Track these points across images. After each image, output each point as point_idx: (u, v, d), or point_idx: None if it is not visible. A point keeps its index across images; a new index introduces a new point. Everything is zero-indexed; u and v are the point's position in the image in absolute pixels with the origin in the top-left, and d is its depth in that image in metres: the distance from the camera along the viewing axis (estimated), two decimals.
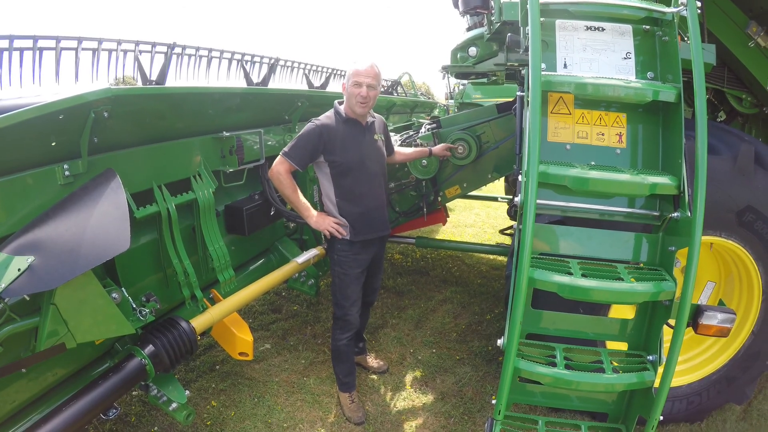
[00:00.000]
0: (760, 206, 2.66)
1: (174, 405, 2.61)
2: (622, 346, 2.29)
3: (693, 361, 3.17)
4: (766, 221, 2.70)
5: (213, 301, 3.02)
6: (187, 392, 2.68)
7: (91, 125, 2.11)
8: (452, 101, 9.19)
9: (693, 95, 3.45)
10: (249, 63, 6.43)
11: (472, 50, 3.65)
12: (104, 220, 1.94)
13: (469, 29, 4.05)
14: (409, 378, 3.57)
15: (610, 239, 2.07)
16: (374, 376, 3.63)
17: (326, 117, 2.96)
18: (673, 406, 3.04)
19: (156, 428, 3.14)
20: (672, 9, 1.90)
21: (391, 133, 3.75)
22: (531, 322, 2.22)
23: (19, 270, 1.71)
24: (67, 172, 2.09)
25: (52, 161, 2.08)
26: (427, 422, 3.16)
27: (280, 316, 4.55)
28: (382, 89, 6.55)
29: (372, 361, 3.72)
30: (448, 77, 8.18)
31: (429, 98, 9.83)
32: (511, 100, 3.89)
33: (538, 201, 2.08)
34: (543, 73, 2.00)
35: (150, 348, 2.44)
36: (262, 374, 3.65)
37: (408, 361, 3.79)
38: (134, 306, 2.40)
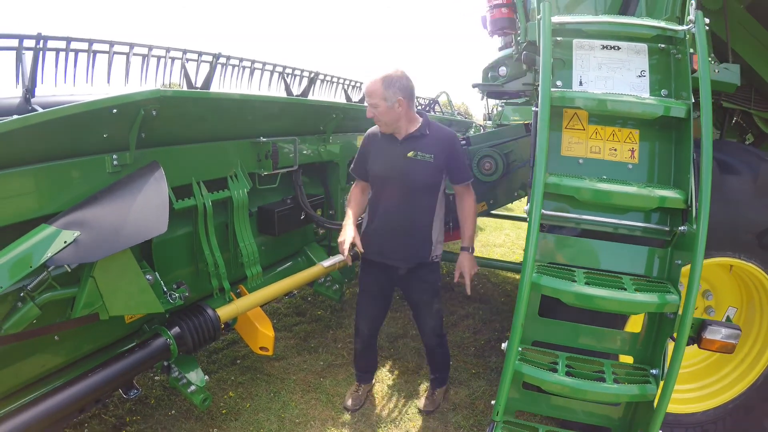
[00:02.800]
0: None
1: (192, 388, 2.81)
2: (629, 360, 2.36)
3: (709, 388, 3.13)
4: None
5: (240, 296, 3.22)
6: (206, 377, 2.87)
7: (140, 122, 2.35)
8: (490, 122, 9.32)
9: (722, 116, 3.53)
10: (290, 76, 6.71)
11: (502, 70, 3.80)
12: (146, 205, 2.17)
13: (500, 49, 4.23)
14: (423, 387, 3.67)
15: (618, 251, 2.16)
16: (390, 382, 3.75)
17: (376, 126, 3.08)
18: None
19: (173, 411, 3.34)
20: (683, 27, 2.01)
21: None
22: (538, 330, 2.32)
23: (65, 242, 1.93)
24: (115, 162, 2.34)
25: (103, 151, 2.32)
26: (438, 430, 3.25)
27: (304, 319, 4.73)
28: (419, 106, 6.74)
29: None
30: (486, 99, 8.34)
31: (466, 118, 9.99)
32: None
33: (551, 212, 2.21)
34: (559, 89, 2.15)
35: (176, 329, 2.65)
36: (280, 371, 3.82)
37: (424, 371, 3.89)
38: (165, 290, 2.62)
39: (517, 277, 5.82)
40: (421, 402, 3.47)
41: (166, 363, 2.80)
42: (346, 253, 2.99)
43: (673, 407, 2.98)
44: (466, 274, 3.02)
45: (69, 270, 2.07)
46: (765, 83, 3.22)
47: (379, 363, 3.95)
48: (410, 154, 2.92)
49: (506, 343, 2.18)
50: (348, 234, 2.97)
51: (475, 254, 3.15)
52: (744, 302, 3.13)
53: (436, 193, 3.00)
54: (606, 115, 2.14)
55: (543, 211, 2.13)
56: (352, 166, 3.23)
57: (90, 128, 2.22)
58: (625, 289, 2.00)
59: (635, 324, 2.75)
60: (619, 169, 2.18)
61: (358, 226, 3.15)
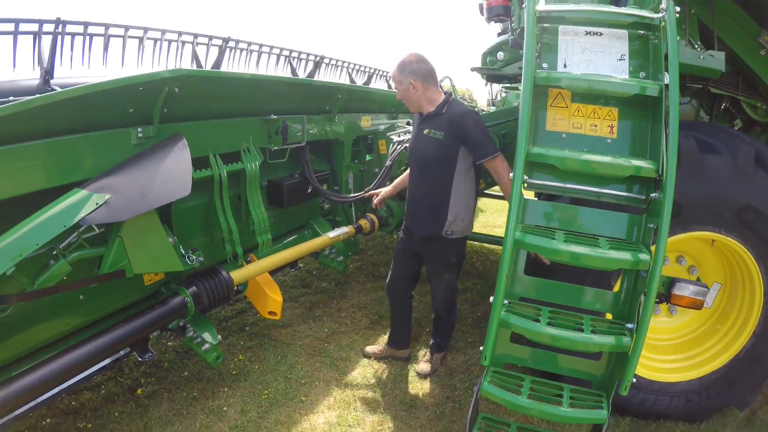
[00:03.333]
0: (760, 205, 2.83)
1: (206, 346, 3.09)
2: (609, 317, 2.60)
3: (694, 359, 3.31)
4: (767, 221, 2.86)
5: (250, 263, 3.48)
6: (219, 337, 3.15)
7: (163, 98, 2.60)
8: (494, 107, 9.53)
9: (711, 101, 3.74)
10: (296, 59, 6.94)
11: (500, 54, 4.00)
12: (170, 170, 2.43)
13: (499, 35, 4.45)
14: (422, 353, 3.94)
15: (598, 216, 2.40)
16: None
17: None
18: (671, 402, 3.19)
19: (186, 373, 3.63)
20: (658, 15, 2.25)
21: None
22: (526, 287, 2.55)
23: (97, 204, 2.17)
24: (140, 134, 2.59)
25: (129, 125, 2.58)
26: (434, 391, 3.52)
27: (309, 291, 5.02)
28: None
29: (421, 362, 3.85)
30: (490, 84, 8.55)
31: (470, 103, 10.20)
32: None
33: (536, 181, 2.45)
34: (545, 71, 2.39)
35: (193, 288, 2.92)
36: (287, 337, 4.11)
37: (423, 338, 4.16)
38: (183, 252, 2.88)
39: None
40: (419, 366, 3.74)
41: (181, 323, 3.09)
42: (375, 201, 3.79)
43: (659, 376, 3.23)
44: None
45: (97, 231, 2.33)
46: (751, 71, 3.41)
47: (381, 331, 4.24)
48: (426, 131, 3.19)
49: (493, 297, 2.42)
50: (383, 189, 3.80)
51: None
52: (728, 279, 3.32)
53: (450, 170, 3.16)
54: (587, 94, 2.37)
55: (531, 180, 2.39)
56: None
57: (118, 103, 2.49)
58: (600, 248, 2.23)
59: None
60: (599, 143, 2.41)
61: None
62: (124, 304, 2.93)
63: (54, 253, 2.21)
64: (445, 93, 3.25)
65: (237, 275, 3.16)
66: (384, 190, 3.80)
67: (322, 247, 4.01)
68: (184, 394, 3.45)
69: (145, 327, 2.73)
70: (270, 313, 3.53)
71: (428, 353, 3.82)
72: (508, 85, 7.35)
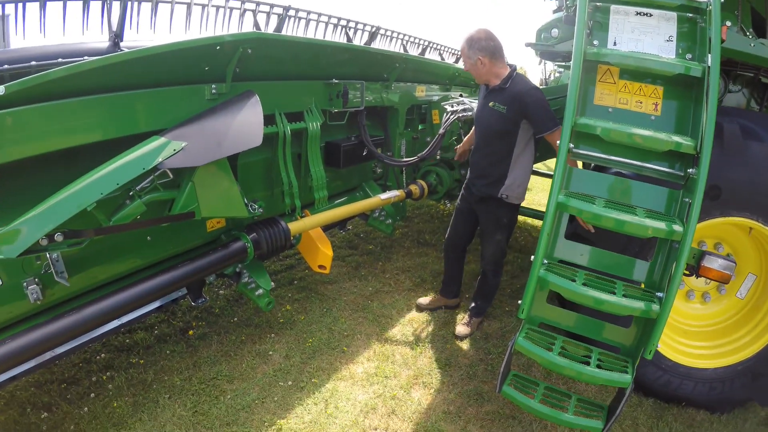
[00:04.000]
0: None
1: (260, 291, 3.36)
2: (642, 287, 2.74)
3: (722, 348, 3.35)
4: None
5: None
6: (272, 283, 3.43)
7: (237, 58, 2.85)
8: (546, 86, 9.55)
9: (762, 91, 3.77)
10: (352, 29, 7.18)
11: (554, 31, 4.10)
12: (244, 122, 2.70)
13: (554, 12, 4.55)
14: (460, 317, 4.18)
15: (638, 188, 2.55)
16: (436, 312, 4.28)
17: None
18: (695, 388, 3.24)
19: (235, 319, 3.97)
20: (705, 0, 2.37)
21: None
22: (566, 250, 2.70)
23: (174, 150, 2.39)
24: (213, 91, 2.86)
25: (203, 81, 2.84)
26: (469, 353, 3.76)
27: (356, 252, 5.35)
28: None
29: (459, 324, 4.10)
30: (544, 63, 8.56)
31: None
32: None
33: (582, 151, 2.62)
34: (596, 47, 2.55)
35: (253, 235, 3.20)
36: (332, 293, 4.42)
37: (463, 304, 4.40)
38: (247, 202, 3.17)
39: None
40: (457, 328, 3.99)
41: (238, 268, 3.38)
42: (457, 155, 4.38)
43: (686, 360, 3.31)
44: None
45: (170, 176, 2.51)
46: None
47: (422, 293, 4.50)
48: (491, 104, 3.45)
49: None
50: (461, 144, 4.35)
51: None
52: (763, 270, 3.34)
53: (510, 141, 3.46)
54: (634, 71, 2.51)
55: (577, 150, 2.56)
56: None
57: (195, 61, 2.74)
58: (638, 216, 2.39)
59: None
60: (643, 119, 2.55)
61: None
62: (187, 248, 3.21)
63: (131, 194, 2.39)
64: (510, 66, 3.47)
65: (294, 227, 3.44)
66: (461, 145, 4.33)
67: (373, 208, 4.29)
68: (233, 337, 3.78)
69: (206, 268, 2.95)
70: (320, 266, 3.81)
71: (467, 316, 4.06)
72: (562, 63, 7.37)
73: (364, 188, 4.60)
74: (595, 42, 2.57)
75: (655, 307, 2.50)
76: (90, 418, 2.95)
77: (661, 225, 2.35)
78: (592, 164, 3.08)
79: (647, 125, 2.55)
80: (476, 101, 3.80)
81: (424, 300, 4.30)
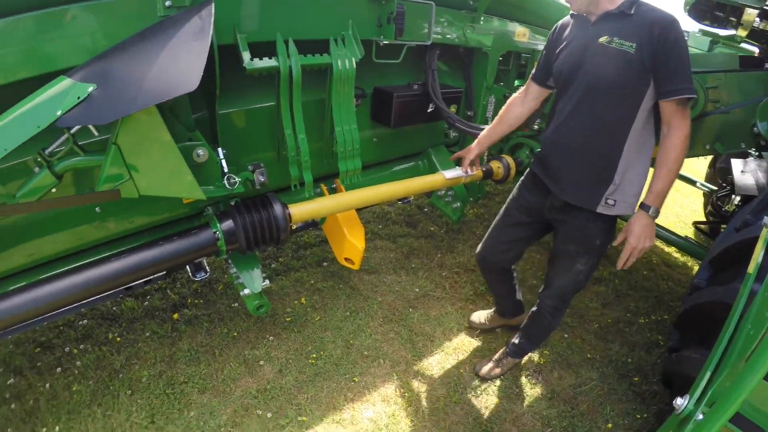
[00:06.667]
0: None
1: (246, 291, 2.50)
2: None
3: None
4: None
5: (335, 192, 2.78)
6: (266, 282, 2.57)
7: None
8: None
9: None
10: None
11: None
12: (178, 56, 1.70)
13: None
14: (526, 358, 3.04)
15: None
16: (496, 333, 3.20)
17: (568, 16, 2.32)
18: None
19: (236, 305, 3.16)
20: None
21: None
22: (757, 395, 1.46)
23: (78, 98, 1.60)
24: (168, 2, 1.86)
25: None
26: (523, 419, 2.67)
27: (413, 232, 4.25)
28: None
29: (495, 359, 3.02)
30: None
31: None
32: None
33: None
34: None
35: (228, 223, 2.28)
36: (367, 287, 3.45)
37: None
38: (225, 170, 2.21)
39: (668, 251, 4.63)
40: (482, 367, 2.91)
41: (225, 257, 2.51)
42: (463, 168, 2.83)
43: None
44: (630, 242, 2.18)
45: (97, 135, 1.81)
46: None
47: (483, 306, 3.40)
48: (603, 39, 2.09)
49: (683, 400, 1.41)
50: (469, 148, 2.79)
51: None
52: None
53: (634, 104, 2.09)
54: None
55: None
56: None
57: None
58: None
59: None
60: None
61: None
62: (152, 223, 2.42)
63: (39, 159, 1.76)
64: None
65: (298, 211, 2.43)
66: (469, 151, 2.85)
67: (433, 189, 3.11)
68: (225, 330, 3.03)
69: (163, 260, 2.19)
70: (346, 260, 2.81)
71: (501, 351, 2.96)
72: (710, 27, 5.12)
73: (429, 155, 3.42)
74: None
75: None
76: (49, 396, 2.66)
77: None
78: None
79: None
80: (609, 44, 2.09)
81: (479, 316, 3.21)
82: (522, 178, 2.64)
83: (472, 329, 3.19)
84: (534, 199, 2.50)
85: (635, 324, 3.46)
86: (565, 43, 2.26)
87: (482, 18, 3.12)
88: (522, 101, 2.60)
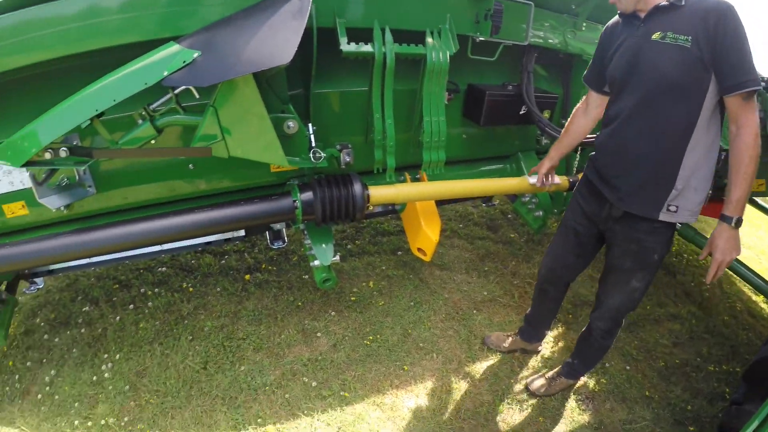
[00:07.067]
0: None
1: (316, 262, 2.63)
2: None
3: None
4: None
5: (417, 182, 2.85)
6: (336, 257, 2.68)
7: None
8: None
9: None
10: None
11: None
12: (276, 31, 1.85)
13: None
14: (581, 382, 2.94)
15: None
16: (543, 356, 3.11)
17: (617, 17, 2.22)
18: None
19: (307, 276, 3.31)
20: None
21: None
22: None
23: (183, 62, 1.78)
24: None
25: None
26: None
27: (493, 236, 4.22)
28: None
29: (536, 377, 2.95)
30: None
31: None
32: None
33: None
34: None
35: (308, 194, 2.42)
36: (436, 282, 3.49)
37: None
38: (313, 144, 2.35)
39: (764, 304, 4.17)
40: (533, 382, 2.84)
41: (302, 227, 2.67)
42: (538, 182, 2.75)
43: None
44: (716, 257, 2.04)
45: (198, 97, 1.97)
46: None
47: (507, 316, 3.36)
48: (656, 35, 1.98)
49: None
50: (542, 162, 2.70)
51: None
52: None
53: (697, 103, 1.95)
54: None
55: None
56: (585, 72, 2.44)
57: None
58: None
59: None
60: None
61: None
62: (239, 186, 2.61)
63: (143, 113, 1.96)
64: None
65: (377, 193, 2.53)
66: (541, 166, 2.76)
67: (516, 192, 3.08)
68: (291, 298, 3.19)
69: (241, 219, 2.37)
70: (419, 250, 2.87)
71: (554, 370, 2.87)
72: None
73: (518, 159, 3.38)
74: None
75: None
76: (117, 327, 2.95)
77: None
78: None
79: None
80: (663, 41, 1.94)
81: (498, 336, 3.09)
82: (576, 185, 2.54)
83: (488, 346, 3.07)
84: (589, 209, 2.38)
85: (704, 370, 3.20)
86: (616, 45, 2.14)
87: (584, 24, 3.05)
88: (584, 112, 2.50)
